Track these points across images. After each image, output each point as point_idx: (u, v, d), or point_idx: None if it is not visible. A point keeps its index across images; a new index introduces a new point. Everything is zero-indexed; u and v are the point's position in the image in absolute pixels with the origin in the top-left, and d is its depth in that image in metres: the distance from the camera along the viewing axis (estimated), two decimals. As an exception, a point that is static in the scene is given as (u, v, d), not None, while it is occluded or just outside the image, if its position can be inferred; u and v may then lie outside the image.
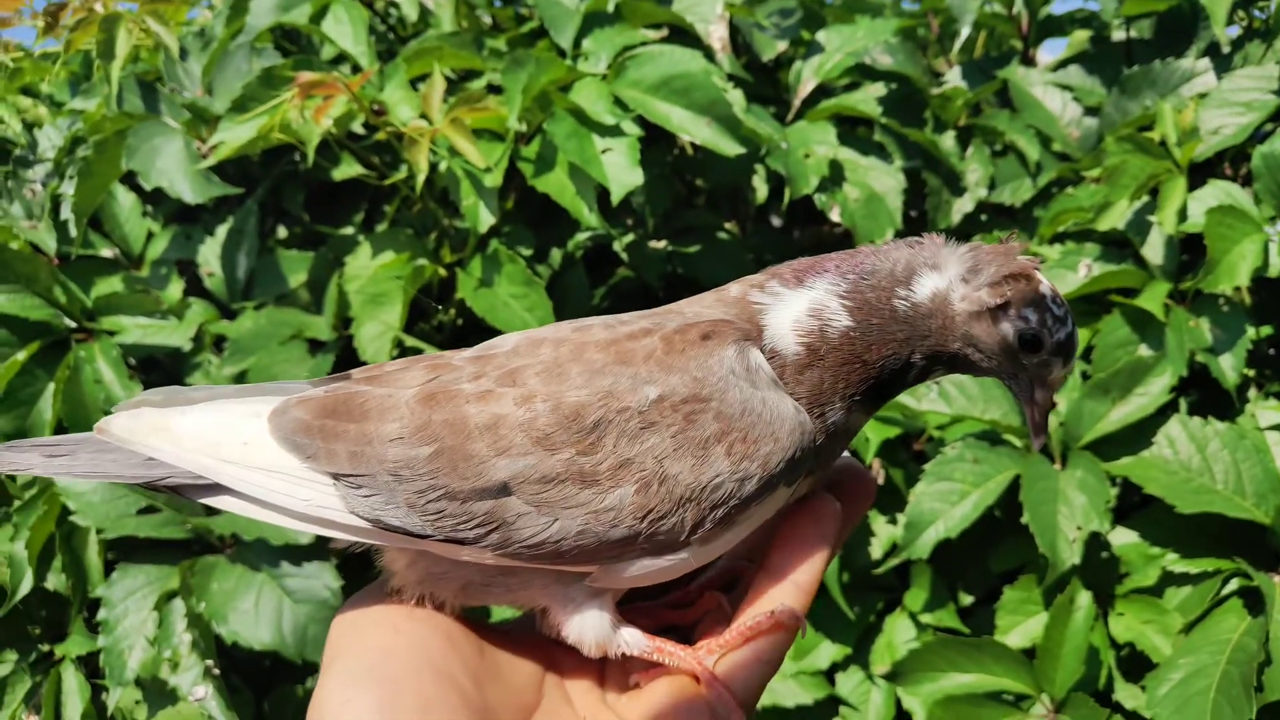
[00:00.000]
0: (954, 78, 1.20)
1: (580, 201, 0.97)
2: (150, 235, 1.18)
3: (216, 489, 0.48)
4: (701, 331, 0.47)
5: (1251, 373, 1.05)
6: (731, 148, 0.98)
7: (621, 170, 0.96)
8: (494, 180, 0.97)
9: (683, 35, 1.12)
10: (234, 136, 0.99)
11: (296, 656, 0.89)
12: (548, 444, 0.45)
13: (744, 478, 0.45)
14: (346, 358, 0.99)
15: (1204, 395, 1.04)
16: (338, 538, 0.48)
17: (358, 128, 1.13)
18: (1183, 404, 1.04)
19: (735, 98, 1.00)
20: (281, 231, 1.26)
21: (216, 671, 0.88)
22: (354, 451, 0.47)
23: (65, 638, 0.99)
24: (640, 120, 0.99)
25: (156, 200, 1.21)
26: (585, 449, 0.45)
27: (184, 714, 0.93)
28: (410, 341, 0.95)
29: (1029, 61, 1.24)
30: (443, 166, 0.98)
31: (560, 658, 0.50)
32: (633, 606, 0.52)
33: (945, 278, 0.47)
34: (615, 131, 0.98)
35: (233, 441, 0.48)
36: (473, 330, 1.09)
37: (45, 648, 1.01)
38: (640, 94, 1.00)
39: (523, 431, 0.45)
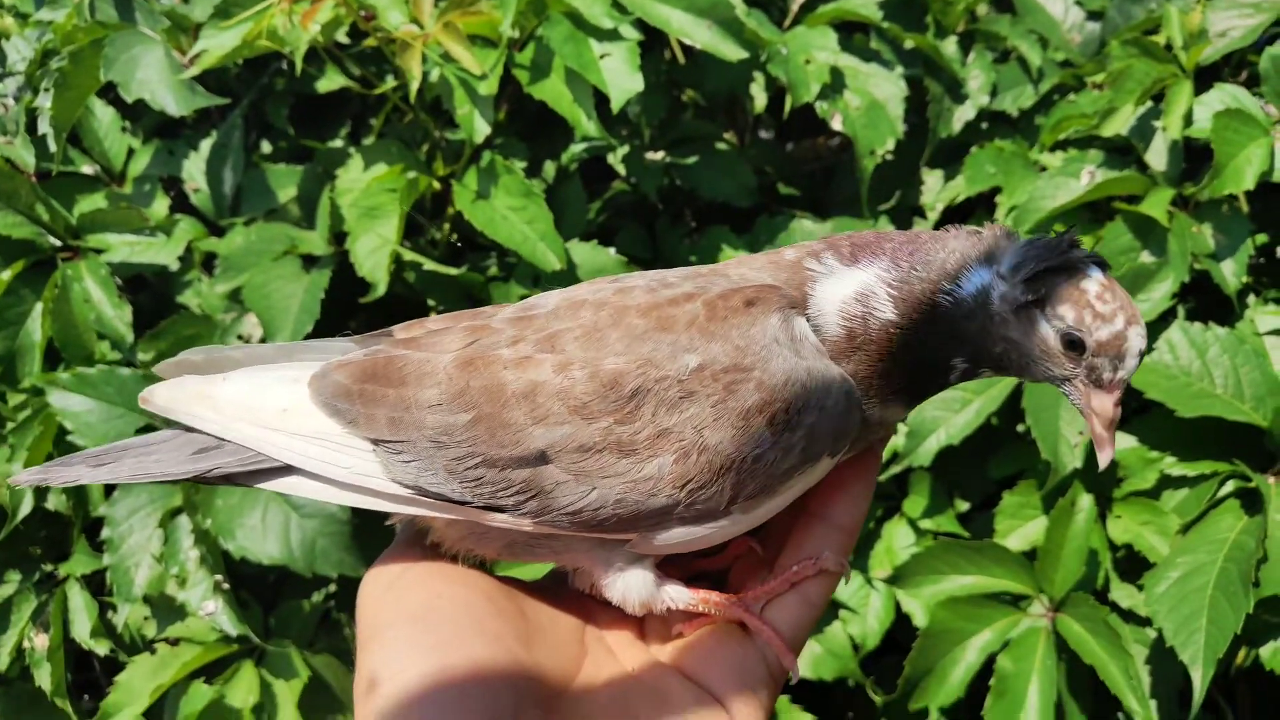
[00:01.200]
0: (953, -19, 1.18)
1: (578, 109, 0.95)
2: (131, 151, 1.16)
3: (269, 474, 0.48)
4: (746, 298, 0.46)
5: (1249, 279, 1.06)
6: (734, 51, 0.96)
7: (621, 76, 0.94)
8: (489, 88, 0.95)
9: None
10: (218, 45, 0.97)
11: (306, 570, 0.90)
12: (585, 413, 0.44)
13: (787, 448, 0.44)
14: (343, 272, 0.98)
15: (1202, 301, 1.05)
16: (377, 508, 0.47)
17: (343, 36, 1.10)
18: (1180, 310, 1.05)
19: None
20: (266, 146, 1.24)
21: (226, 586, 0.89)
22: (393, 417, 0.46)
23: (68, 557, 1.00)
24: (638, 24, 0.98)
25: (135, 115, 1.18)
26: (623, 418, 0.44)
27: (193, 628, 0.94)
28: (408, 255, 0.94)
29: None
30: (435, 74, 0.97)
31: (598, 611, 0.50)
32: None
33: (991, 273, 0.45)
34: (614, 36, 0.96)
35: (272, 407, 0.48)
36: (470, 246, 1.08)
37: (49, 568, 1.01)
38: (637, -3, 0.98)
39: (560, 400, 0.45)
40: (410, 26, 0.96)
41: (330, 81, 1.13)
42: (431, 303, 0.98)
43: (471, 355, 0.46)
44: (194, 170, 1.13)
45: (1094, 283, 0.45)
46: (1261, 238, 1.07)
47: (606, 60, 0.95)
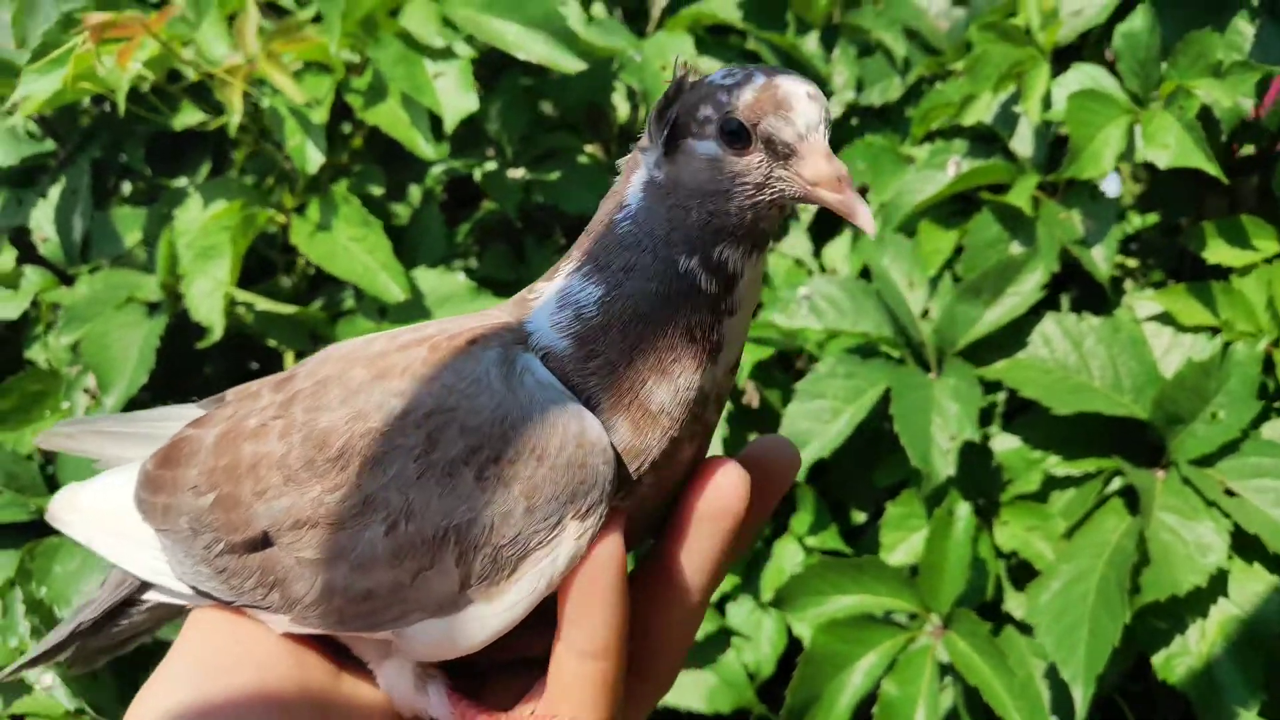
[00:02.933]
0: (821, -24, 1.13)
1: (415, 132, 0.90)
2: (-20, 203, 1.10)
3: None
4: (472, 335, 0.39)
5: (1134, 263, 1.01)
6: (571, 64, 0.91)
7: (454, 96, 0.89)
8: (320, 116, 0.90)
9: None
10: (38, 90, 0.91)
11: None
12: (298, 481, 0.38)
13: (506, 511, 0.36)
14: (181, 319, 0.92)
15: (1085, 290, 1.00)
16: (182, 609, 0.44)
17: (191, 72, 1.05)
18: (1064, 301, 1.00)
19: (572, 10, 0.93)
20: (126, 188, 1.18)
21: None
22: (167, 503, 0.42)
23: (-89, 634, 0.94)
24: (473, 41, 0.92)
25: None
26: (331, 485, 0.38)
27: (42, 702, 0.88)
28: (242, 296, 0.89)
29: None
30: (265, 104, 0.91)
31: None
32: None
33: (643, 165, 0.38)
34: (447, 54, 0.91)
35: (111, 508, 0.45)
36: (324, 280, 1.02)
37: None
38: (473, 12, 0.92)
39: (278, 469, 0.39)
40: (235, 56, 0.91)
41: (186, 117, 1.08)
42: (273, 343, 0.92)
43: (226, 429, 0.42)
44: (42, 219, 1.07)
45: (718, 75, 0.37)
46: (1152, 218, 1.02)
47: (440, 80, 0.90)
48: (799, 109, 0.36)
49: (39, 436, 0.50)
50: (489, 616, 0.37)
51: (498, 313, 0.42)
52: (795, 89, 0.36)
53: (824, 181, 0.36)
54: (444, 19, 0.91)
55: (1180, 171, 0.85)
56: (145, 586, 0.45)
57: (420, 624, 0.38)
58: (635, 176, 0.39)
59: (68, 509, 0.47)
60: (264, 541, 0.39)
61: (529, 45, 0.90)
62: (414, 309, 0.91)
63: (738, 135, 0.36)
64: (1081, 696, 0.75)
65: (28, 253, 1.08)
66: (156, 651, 0.92)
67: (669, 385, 0.38)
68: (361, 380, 0.39)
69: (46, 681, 0.84)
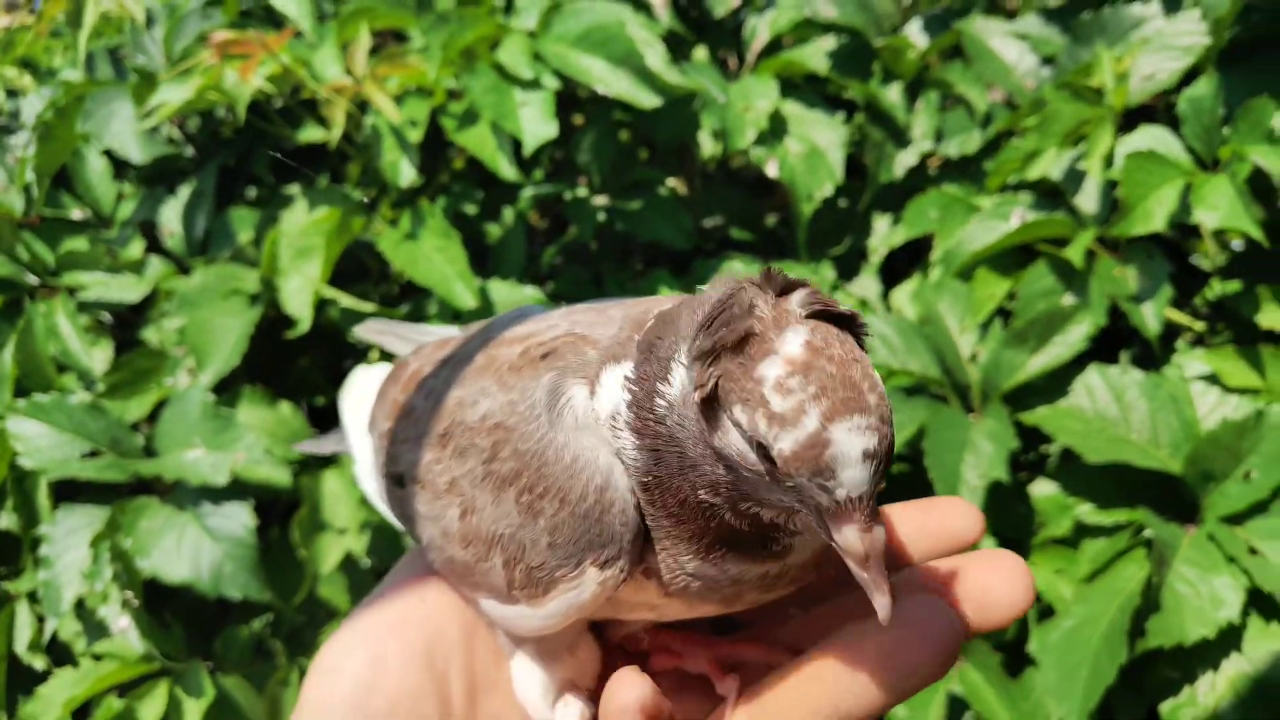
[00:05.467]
0: (914, 29, 1.25)
1: (500, 155, 1.06)
2: (121, 196, 1.31)
3: None
4: (547, 349, 0.42)
5: (1201, 326, 1.08)
6: (648, 99, 1.05)
7: (535, 123, 1.04)
8: (416, 136, 1.07)
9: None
10: (173, 97, 1.11)
11: (211, 591, 1.00)
12: (419, 444, 0.45)
13: (534, 539, 0.40)
14: (280, 312, 1.10)
15: (1146, 347, 1.07)
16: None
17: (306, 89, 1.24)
18: (1124, 356, 1.08)
19: (657, 51, 1.07)
20: (252, 192, 1.38)
21: (136, 603, 1.00)
22: (374, 415, 0.51)
23: (20, 574, 1.13)
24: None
25: (131, 164, 1.34)
26: (435, 457, 0.44)
27: (117, 644, 1.05)
28: (330, 294, 1.05)
29: (997, 9, 1.29)
30: (368, 123, 1.09)
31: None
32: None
33: (686, 372, 0.37)
34: (534, 85, 1.07)
35: (366, 398, 0.55)
36: (412, 290, 1.19)
37: (8, 586, 1.14)
38: (564, 48, 1.08)
39: (414, 425, 0.46)
40: (346, 78, 1.09)
41: (308, 133, 1.27)
42: (353, 340, 1.08)
43: (416, 369, 0.49)
44: (171, 215, 1.27)
45: (778, 362, 0.33)
46: (1233, 285, 1.09)
47: (525, 109, 1.06)
48: (847, 479, 0.32)
49: (359, 327, 0.64)
50: (534, 618, 0.42)
51: (635, 325, 0.42)
52: (847, 449, 0.32)
53: (850, 552, 0.34)
54: (535, 53, 1.07)
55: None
56: None
57: (487, 602, 0.44)
58: (679, 374, 0.37)
59: (348, 389, 0.58)
60: (401, 481, 0.47)
61: (610, 80, 1.05)
62: (483, 316, 1.06)
63: (770, 462, 0.34)
64: (1074, 731, 0.83)
65: (154, 244, 1.29)
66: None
67: (716, 570, 0.39)
68: (477, 365, 0.45)
69: (122, 624, 1.01)
